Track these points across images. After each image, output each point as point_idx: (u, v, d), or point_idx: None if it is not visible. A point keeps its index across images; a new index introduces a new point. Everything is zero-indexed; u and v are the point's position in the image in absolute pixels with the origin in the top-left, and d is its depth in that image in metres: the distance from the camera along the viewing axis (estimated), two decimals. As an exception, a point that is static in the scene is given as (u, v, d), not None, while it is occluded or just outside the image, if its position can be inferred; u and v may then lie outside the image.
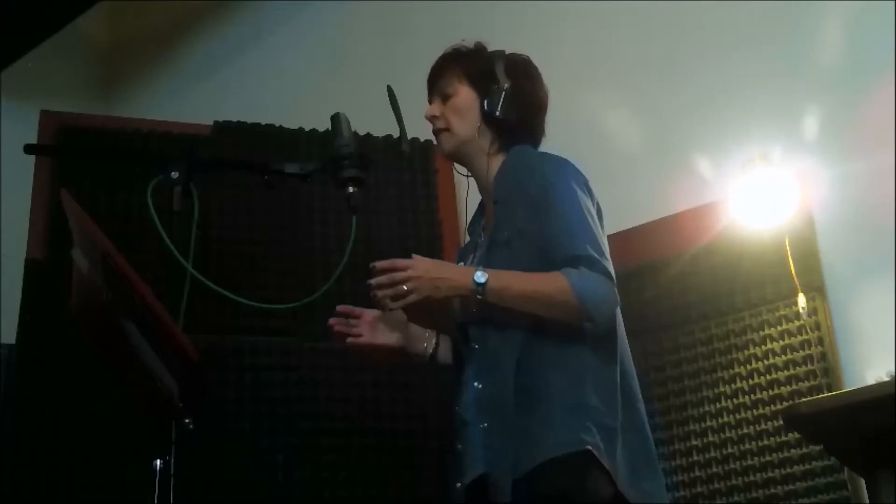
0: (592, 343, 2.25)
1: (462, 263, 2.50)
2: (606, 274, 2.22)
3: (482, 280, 2.22)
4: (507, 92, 2.43)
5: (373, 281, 2.30)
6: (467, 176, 2.57)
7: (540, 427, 2.19)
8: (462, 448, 2.32)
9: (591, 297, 2.19)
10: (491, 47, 2.54)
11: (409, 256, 2.33)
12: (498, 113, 2.42)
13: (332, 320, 2.46)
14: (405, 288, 2.27)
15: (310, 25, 4.58)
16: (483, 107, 2.45)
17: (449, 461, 2.51)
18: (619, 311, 2.35)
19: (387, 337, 2.46)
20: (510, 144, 2.47)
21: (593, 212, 2.34)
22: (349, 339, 2.44)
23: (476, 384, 2.31)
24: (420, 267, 2.28)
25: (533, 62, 2.55)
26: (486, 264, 2.33)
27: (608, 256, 2.27)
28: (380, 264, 2.31)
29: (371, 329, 2.45)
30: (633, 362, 2.39)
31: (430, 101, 2.53)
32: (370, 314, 2.45)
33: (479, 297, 2.23)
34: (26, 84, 4.54)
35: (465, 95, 2.49)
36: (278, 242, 3.33)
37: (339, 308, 2.47)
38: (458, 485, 2.29)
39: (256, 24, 4.78)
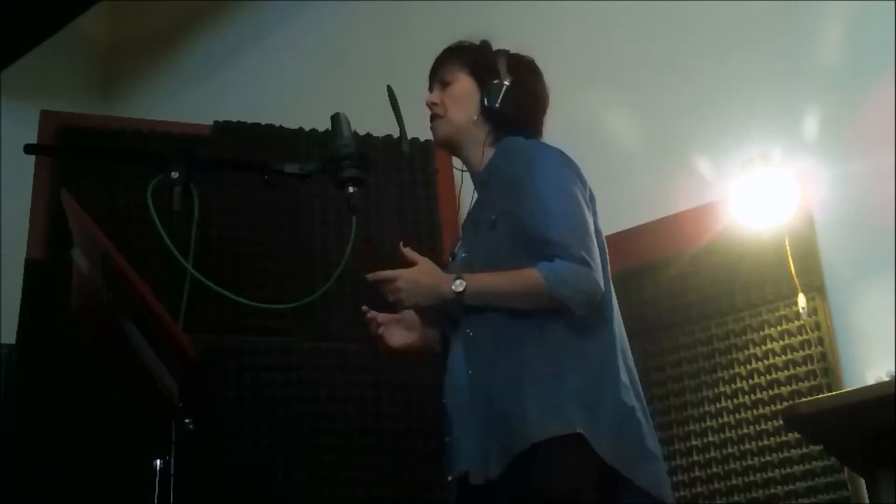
0: (574, 324, 2.26)
1: (453, 253, 2.55)
2: (581, 261, 2.23)
3: (460, 289, 2.29)
4: (509, 86, 2.44)
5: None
6: (462, 171, 2.58)
7: (521, 413, 2.18)
8: (451, 439, 2.33)
9: (564, 290, 2.21)
10: (496, 47, 2.56)
11: (405, 260, 2.38)
12: (497, 105, 2.44)
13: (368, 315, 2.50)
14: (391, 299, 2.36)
15: (310, 25, 4.58)
16: (483, 99, 2.47)
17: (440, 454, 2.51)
18: (613, 297, 2.35)
19: (410, 337, 2.51)
20: (505, 137, 2.48)
21: (580, 198, 2.34)
22: (383, 346, 2.49)
23: (469, 371, 2.32)
24: (405, 278, 2.34)
25: (536, 64, 2.56)
26: (469, 247, 2.42)
27: (589, 241, 2.27)
28: (369, 278, 2.38)
29: (393, 330, 2.50)
30: (634, 363, 2.39)
31: (431, 91, 2.55)
32: (385, 317, 2.50)
33: (459, 303, 2.31)
34: (26, 84, 4.54)
35: (463, 84, 2.50)
36: (278, 242, 3.32)
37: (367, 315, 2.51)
38: (450, 478, 2.30)
39: (256, 24, 4.78)
